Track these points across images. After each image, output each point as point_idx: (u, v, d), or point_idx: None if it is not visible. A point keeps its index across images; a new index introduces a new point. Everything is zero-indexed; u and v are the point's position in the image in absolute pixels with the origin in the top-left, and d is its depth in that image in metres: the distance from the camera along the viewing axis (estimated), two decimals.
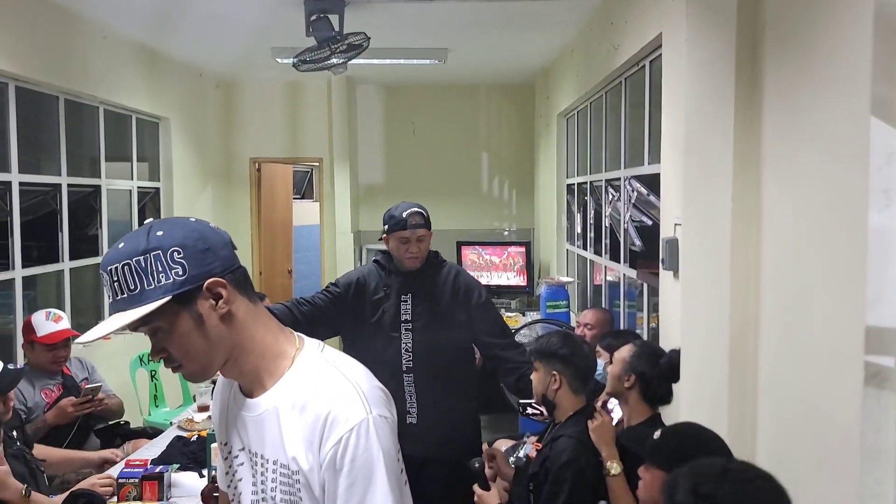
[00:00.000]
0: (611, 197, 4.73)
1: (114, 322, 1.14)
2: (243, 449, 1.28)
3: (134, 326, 1.15)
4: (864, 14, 1.64)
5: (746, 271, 2.19)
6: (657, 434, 1.91)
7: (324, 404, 1.17)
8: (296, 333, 1.31)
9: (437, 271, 3.02)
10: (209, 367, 1.21)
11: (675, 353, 2.49)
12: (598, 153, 5.12)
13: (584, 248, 5.61)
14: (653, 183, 3.68)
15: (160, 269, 1.14)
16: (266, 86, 7.42)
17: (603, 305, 4.80)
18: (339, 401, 1.18)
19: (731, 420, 2.17)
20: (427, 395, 2.90)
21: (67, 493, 2.41)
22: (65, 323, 3.44)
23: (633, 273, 4.17)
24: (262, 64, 6.27)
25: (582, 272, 5.87)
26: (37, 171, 4.60)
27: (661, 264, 3.11)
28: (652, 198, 3.81)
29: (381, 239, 3.03)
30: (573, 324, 4.87)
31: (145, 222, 1.18)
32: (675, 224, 2.95)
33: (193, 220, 1.22)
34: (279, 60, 5.74)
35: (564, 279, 5.61)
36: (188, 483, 2.78)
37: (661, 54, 3.31)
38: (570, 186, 6.29)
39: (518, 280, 6.92)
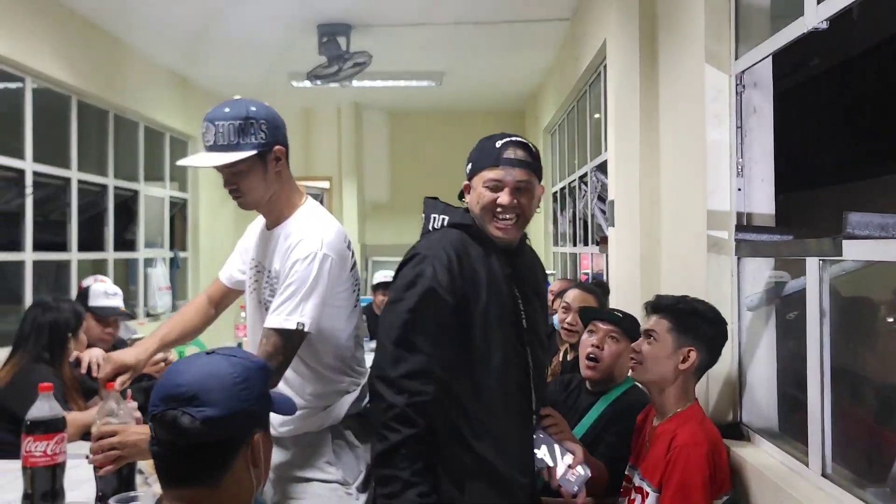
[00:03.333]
0: (583, 192, 5.43)
1: (214, 158, 1.78)
2: (259, 262, 1.96)
3: (223, 166, 1.79)
4: None
5: (651, 197, 2.90)
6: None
7: (296, 237, 1.84)
8: (304, 192, 2.02)
9: (530, 253, 1.96)
10: (260, 201, 1.88)
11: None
12: (572, 157, 5.86)
13: (568, 244, 6.30)
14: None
15: (252, 132, 1.75)
16: (282, 111, 8.12)
17: None
18: (306, 237, 1.83)
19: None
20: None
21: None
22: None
23: (597, 250, 4.85)
24: (279, 91, 7.09)
25: (569, 269, 6.55)
26: (91, 172, 5.39)
27: (606, 223, 3.80)
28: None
29: (462, 194, 1.84)
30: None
31: (236, 98, 1.87)
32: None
33: (268, 104, 1.87)
34: (294, 84, 6.55)
35: (548, 272, 6.29)
36: None
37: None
38: (554, 194, 7.00)
39: None
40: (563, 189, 6.50)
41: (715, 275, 2.32)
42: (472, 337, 1.68)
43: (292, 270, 1.79)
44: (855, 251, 1.64)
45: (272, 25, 5.23)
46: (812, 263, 1.79)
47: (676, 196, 2.66)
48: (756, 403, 2.25)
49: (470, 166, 1.79)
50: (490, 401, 1.69)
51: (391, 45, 5.63)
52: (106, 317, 3.05)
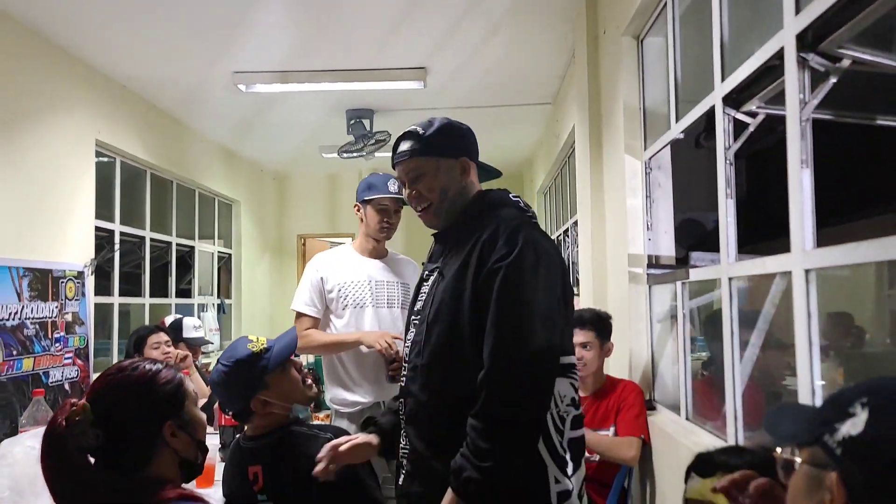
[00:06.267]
0: (567, 244, 6.48)
1: None
2: (386, 280, 3.01)
3: None
4: (618, 103, 3.46)
5: (601, 241, 3.93)
6: None
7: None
8: None
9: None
10: None
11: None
12: (557, 213, 6.94)
13: None
14: None
15: None
16: (311, 177, 9.44)
17: None
18: None
19: None
20: None
21: None
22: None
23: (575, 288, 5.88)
24: (309, 160, 8.26)
25: None
26: (159, 231, 6.52)
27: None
28: None
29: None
30: None
31: None
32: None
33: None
34: (324, 156, 7.72)
35: None
36: None
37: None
38: None
39: None
40: (556, 240, 7.55)
41: (635, 298, 3.35)
42: None
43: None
44: (694, 275, 2.68)
45: (308, 110, 6.40)
46: (678, 285, 2.83)
47: (612, 244, 3.71)
48: (663, 385, 3.24)
49: None
50: None
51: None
52: (197, 346, 4.45)
